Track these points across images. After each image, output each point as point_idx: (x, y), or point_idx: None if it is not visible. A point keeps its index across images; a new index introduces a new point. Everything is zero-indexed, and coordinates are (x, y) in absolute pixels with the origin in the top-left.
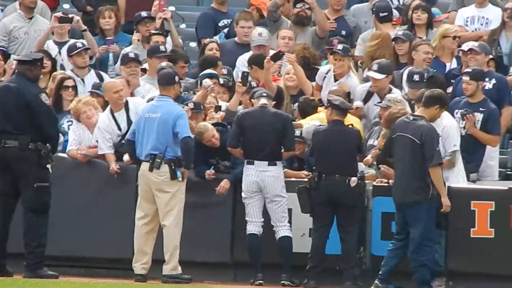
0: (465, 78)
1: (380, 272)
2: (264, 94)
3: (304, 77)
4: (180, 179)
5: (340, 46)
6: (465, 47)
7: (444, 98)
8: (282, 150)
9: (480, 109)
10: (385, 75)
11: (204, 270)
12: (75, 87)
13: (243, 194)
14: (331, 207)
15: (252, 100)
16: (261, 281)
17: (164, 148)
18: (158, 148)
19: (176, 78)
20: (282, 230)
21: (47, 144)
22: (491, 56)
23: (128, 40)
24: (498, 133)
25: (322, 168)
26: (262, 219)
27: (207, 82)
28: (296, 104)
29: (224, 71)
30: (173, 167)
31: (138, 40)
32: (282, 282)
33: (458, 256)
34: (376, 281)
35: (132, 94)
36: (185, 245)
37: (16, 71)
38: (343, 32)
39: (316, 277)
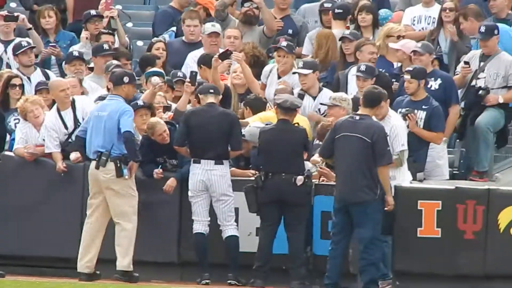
0: (406, 76)
1: (327, 275)
2: (211, 91)
3: (252, 76)
4: (126, 176)
5: (284, 43)
6: (397, 45)
7: (383, 92)
8: (229, 149)
9: (423, 107)
10: (311, 70)
11: (151, 269)
12: (22, 86)
13: (189, 193)
14: (278, 206)
15: (199, 95)
16: (207, 281)
17: (110, 146)
18: (104, 146)
19: (126, 79)
20: (228, 229)
21: None
22: (434, 56)
23: (69, 38)
24: (441, 130)
25: (268, 167)
26: (209, 218)
27: (155, 80)
28: (243, 103)
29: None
30: (118, 165)
31: (87, 38)
32: (229, 281)
33: (405, 256)
34: None
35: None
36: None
37: None
38: (290, 31)
39: (263, 277)
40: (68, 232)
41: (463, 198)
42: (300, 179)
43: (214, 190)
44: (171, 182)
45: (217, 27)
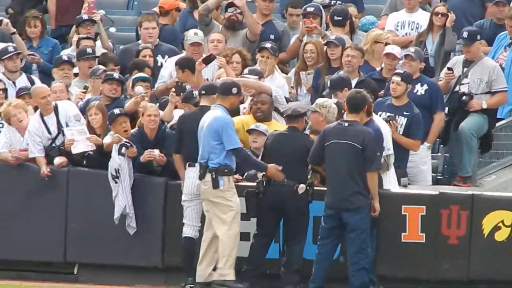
0: (396, 78)
1: (312, 279)
2: (203, 92)
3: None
4: (222, 188)
5: (269, 45)
6: (389, 49)
7: (366, 96)
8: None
9: (404, 112)
10: (257, 77)
11: (134, 274)
12: (5, 90)
13: (183, 197)
14: (277, 213)
15: (185, 103)
16: (192, 285)
17: (207, 156)
18: (203, 157)
19: (234, 90)
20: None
21: None
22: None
23: (51, 44)
24: (420, 138)
25: None
26: (200, 224)
27: (138, 89)
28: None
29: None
30: (214, 176)
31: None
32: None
33: (389, 260)
34: None
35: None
36: (115, 249)
37: None
38: (272, 36)
39: (250, 280)
40: (51, 236)
41: (447, 203)
42: (302, 187)
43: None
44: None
45: (199, 36)
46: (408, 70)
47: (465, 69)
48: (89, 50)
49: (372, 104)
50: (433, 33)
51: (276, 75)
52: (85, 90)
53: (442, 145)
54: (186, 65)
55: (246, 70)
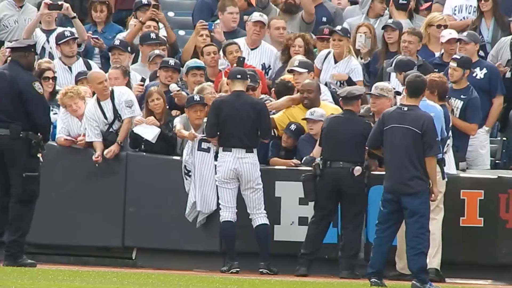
0: (453, 64)
1: (371, 263)
2: (238, 77)
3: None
4: None
5: (339, 27)
6: (446, 34)
7: (426, 80)
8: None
9: (461, 96)
10: (306, 70)
11: (193, 259)
12: (54, 78)
13: (217, 181)
14: (334, 195)
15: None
16: (237, 269)
17: None
18: None
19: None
20: (259, 218)
21: (38, 134)
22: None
23: (116, 30)
24: (476, 122)
25: (328, 155)
26: (236, 205)
27: (173, 87)
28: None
29: None
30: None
31: (135, 25)
32: (261, 270)
33: (447, 245)
34: (374, 279)
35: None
36: (173, 234)
37: (10, 58)
38: (324, 19)
39: (308, 264)
40: (109, 221)
41: (505, 187)
42: (358, 170)
43: (245, 178)
44: (115, 148)
45: (264, 18)
46: (464, 54)
47: None
48: (152, 35)
49: (447, 88)
50: (485, 19)
51: (352, 58)
52: (142, 83)
53: (499, 131)
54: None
55: (296, 62)
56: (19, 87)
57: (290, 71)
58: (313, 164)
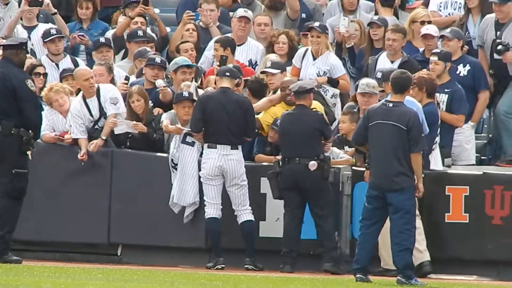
0: (433, 58)
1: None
2: (227, 74)
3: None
4: None
5: (317, 23)
6: (423, 30)
7: (411, 77)
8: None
9: (445, 90)
10: (279, 70)
11: (178, 255)
12: (45, 74)
13: (202, 178)
14: (298, 191)
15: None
16: (222, 265)
17: None
18: None
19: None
20: (244, 214)
21: (29, 131)
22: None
23: (102, 27)
24: (463, 112)
25: (286, 152)
26: (220, 202)
27: (159, 82)
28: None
29: None
30: None
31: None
32: (246, 266)
33: (432, 241)
34: (359, 275)
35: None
36: (159, 231)
37: (1, 56)
38: (303, 15)
39: (291, 262)
40: (95, 218)
41: (491, 183)
42: (313, 164)
43: (230, 175)
44: (99, 142)
45: (249, 13)
46: (447, 50)
47: (498, 33)
48: (140, 32)
49: (436, 85)
50: (473, 15)
51: (330, 53)
52: (126, 82)
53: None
54: (228, 45)
55: (268, 63)
56: (13, 84)
57: (263, 73)
58: (273, 161)
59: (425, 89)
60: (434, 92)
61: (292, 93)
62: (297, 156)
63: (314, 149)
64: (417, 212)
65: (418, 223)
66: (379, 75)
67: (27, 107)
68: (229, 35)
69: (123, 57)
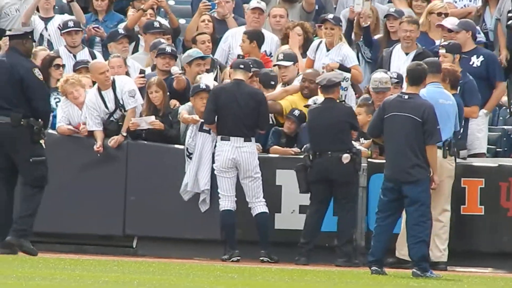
0: (441, 51)
1: (371, 251)
2: (241, 67)
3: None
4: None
5: (331, 15)
6: (445, 23)
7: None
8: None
9: None
10: (292, 62)
11: (193, 247)
12: (63, 66)
13: (216, 170)
14: (327, 185)
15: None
16: (238, 257)
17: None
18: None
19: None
20: (258, 207)
21: (39, 120)
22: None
23: (117, 19)
24: (476, 103)
25: (315, 146)
26: (235, 194)
27: (174, 69)
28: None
29: None
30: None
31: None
32: (261, 258)
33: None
34: (374, 267)
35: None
36: (174, 223)
37: (8, 46)
38: (316, 7)
39: (307, 254)
40: (110, 210)
41: (506, 175)
42: (346, 157)
43: (244, 167)
44: (120, 138)
45: (262, 4)
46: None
47: None
48: (156, 24)
49: (459, 76)
50: (490, 7)
51: (343, 45)
52: (143, 75)
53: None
54: (255, 37)
55: (280, 56)
56: (20, 74)
57: (275, 65)
58: (304, 155)
59: (448, 80)
60: (457, 83)
61: (320, 87)
62: (329, 150)
63: (345, 142)
64: (448, 207)
65: (446, 218)
66: (394, 75)
67: (35, 96)
68: (243, 26)
69: (133, 51)
